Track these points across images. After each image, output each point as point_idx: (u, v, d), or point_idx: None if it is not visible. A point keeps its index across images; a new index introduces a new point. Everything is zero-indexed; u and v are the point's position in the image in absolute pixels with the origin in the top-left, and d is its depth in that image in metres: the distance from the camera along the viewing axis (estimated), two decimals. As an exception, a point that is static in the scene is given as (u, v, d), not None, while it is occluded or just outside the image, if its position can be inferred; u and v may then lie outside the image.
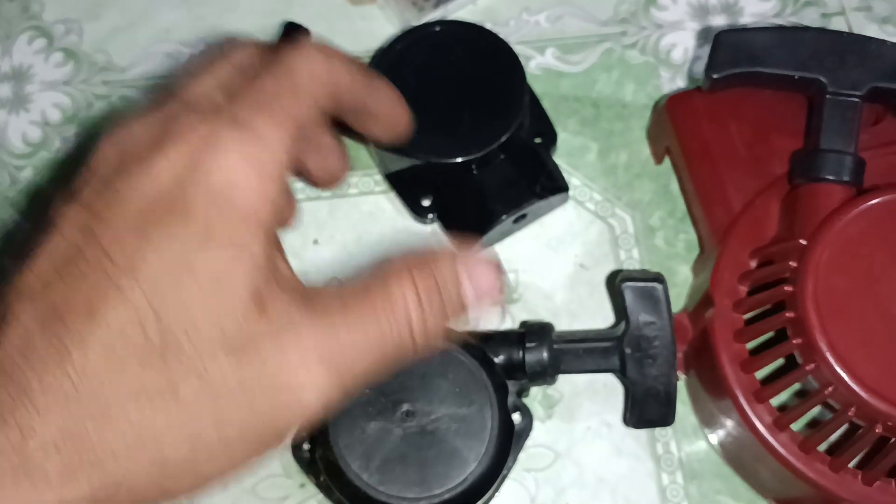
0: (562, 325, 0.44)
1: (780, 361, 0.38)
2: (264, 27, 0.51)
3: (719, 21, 0.51)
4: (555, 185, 0.45)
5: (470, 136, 0.43)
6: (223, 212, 0.24)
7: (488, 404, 0.37)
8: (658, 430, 0.43)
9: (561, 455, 0.43)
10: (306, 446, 0.39)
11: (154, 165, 0.24)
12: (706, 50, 0.42)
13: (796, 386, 0.38)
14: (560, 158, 0.47)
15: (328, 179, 0.34)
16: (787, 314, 0.36)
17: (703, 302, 0.41)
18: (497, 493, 0.39)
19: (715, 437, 0.42)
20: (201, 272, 0.23)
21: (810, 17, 0.51)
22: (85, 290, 0.23)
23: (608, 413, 0.43)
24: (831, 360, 0.34)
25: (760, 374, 0.39)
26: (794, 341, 0.36)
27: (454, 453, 0.37)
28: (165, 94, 0.27)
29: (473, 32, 0.46)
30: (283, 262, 0.27)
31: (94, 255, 0.23)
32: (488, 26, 0.47)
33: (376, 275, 0.26)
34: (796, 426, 0.38)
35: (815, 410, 0.39)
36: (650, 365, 0.38)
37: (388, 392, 0.37)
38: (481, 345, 0.38)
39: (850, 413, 0.35)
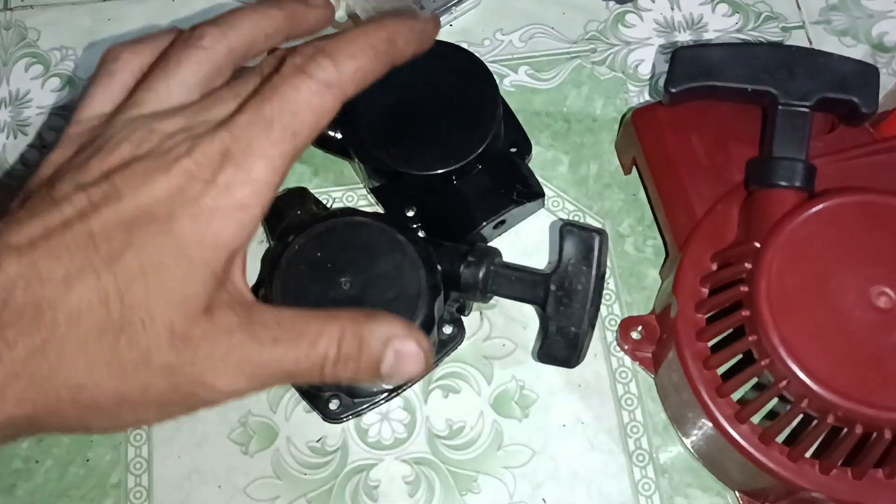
0: (535, 329, 0.47)
1: (739, 357, 0.41)
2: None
3: (685, 37, 0.53)
4: (531, 192, 0.47)
5: (448, 149, 0.46)
6: (201, 236, 0.28)
7: (416, 298, 0.40)
8: (630, 426, 0.45)
9: (537, 452, 0.45)
10: None
11: (156, 183, 0.28)
12: (671, 65, 0.44)
13: (755, 380, 0.41)
14: (533, 170, 0.49)
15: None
16: (744, 313, 0.39)
17: (669, 305, 0.43)
18: (407, 388, 0.44)
19: (684, 433, 0.44)
20: (168, 278, 0.27)
21: (771, 31, 0.54)
22: (66, 262, 0.27)
23: (582, 411, 0.45)
24: (784, 355, 0.37)
25: (721, 370, 0.41)
26: (749, 338, 0.38)
27: None
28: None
29: (448, 50, 0.48)
30: (240, 275, 0.30)
31: (83, 237, 0.27)
32: (464, 46, 0.50)
33: (317, 316, 0.30)
34: (756, 419, 0.40)
35: (774, 403, 0.41)
36: (567, 305, 0.40)
37: (335, 264, 0.40)
38: (431, 248, 0.41)
39: (803, 405, 0.37)
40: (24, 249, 0.27)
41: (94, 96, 0.32)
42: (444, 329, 0.45)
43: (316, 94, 0.29)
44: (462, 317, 0.46)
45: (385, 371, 0.30)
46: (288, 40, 0.33)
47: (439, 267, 0.42)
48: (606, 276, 0.48)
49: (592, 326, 0.41)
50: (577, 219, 0.49)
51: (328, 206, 0.49)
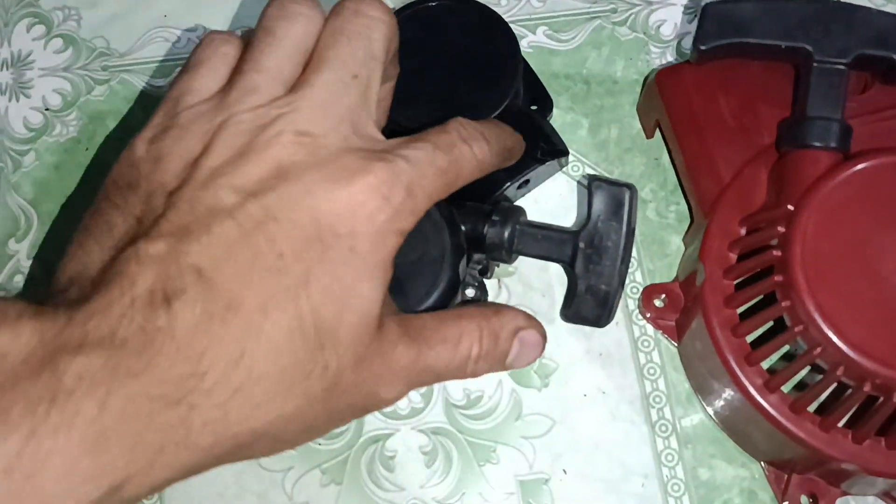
0: (556, 295, 0.45)
1: (769, 325, 0.39)
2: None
3: (708, -4, 0.52)
4: (555, 149, 0.46)
5: (468, 108, 0.44)
6: (379, 257, 0.28)
7: (441, 260, 0.38)
8: (653, 396, 0.44)
9: (557, 422, 0.44)
10: None
11: (339, 196, 0.27)
12: (695, 25, 0.42)
13: (785, 349, 0.39)
14: (553, 133, 0.48)
15: None
16: (776, 278, 0.37)
17: (694, 272, 0.42)
18: None
19: (708, 403, 0.43)
20: (354, 299, 0.27)
21: (798, -9, 0.52)
22: (259, 286, 0.25)
23: (603, 380, 0.44)
24: (819, 321, 0.35)
25: (750, 337, 0.40)
26: (782, 304, 0.37)
27: (399, 289, 0.37)
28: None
29: (465, 5, 0.47)
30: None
31: (271, 256, 0.26)
32: (480, 5, 0.48)
33: (452, 316, 0.32)
34: (786, 388, 0.39)
35: (805, 372, 0.39)
36: (597, 262, 0.39)
37: None
38: (454, 209, 0.40)
39: (838, 373, 0.36)
40: (212, 273, 0.25)
41: (199, 77, 0.31)
42: (466, 292, 0.43)
43: (474, 161, 0.32)
44: (485, 279, 0.45)
45: (509, 361, 0.33)
46: None
47: (462, 228, 0.40)
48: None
49: (622, 284, 0.39)
50: (597, 184, 0.48)
51: None
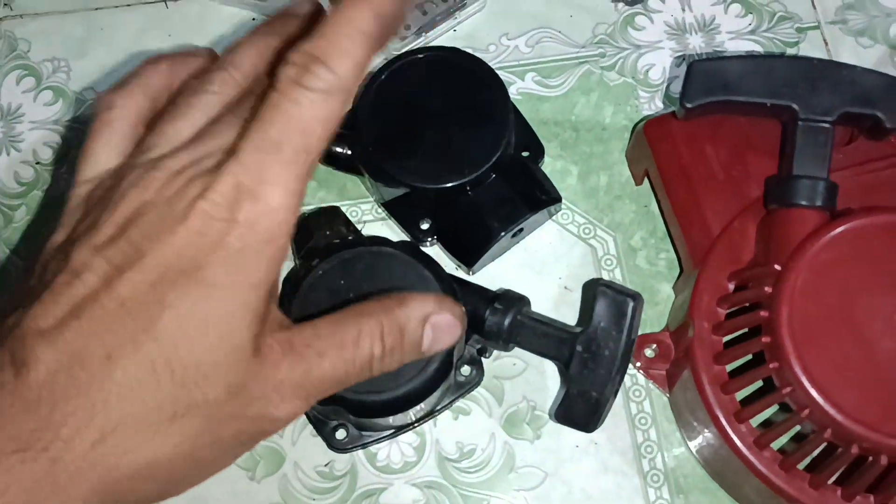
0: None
1: (759, 382, 0.39)
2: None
3: (696, 40, 0.52)
4: (548, 197, 0.46)
5: (461, 160, 0.44)
6: (235, 280, 0.26)
7: None
8: (644, 446, 0.44)
9: (550, 474, 0.44)
10: None
11: (175, 232, 0.26)
12: (684, 69, 0.43)
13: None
14: (543, 182, 0.48)
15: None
16: (764, 339, 0.37)
17: (684, 323, 0.42)
18: (418, 426, 0.43)
19: (699, 452, 0.43)
20: (213, 332, 0.26)
21: (786, 32, 0.52)
22: (103, 336, 0.25)
23: (595, 431, 0.44)
24: (807, 384, 0.36)
25: (741, 392, 0.40)
26: (770, 365, 0.37)
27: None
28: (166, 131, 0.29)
29: (454, 56, 0.47)
30: (275, 302, 0.29)
31: (114, 307, 0.25)
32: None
33: (350, 316, 0.30)
34: (777, 443, 0.39)
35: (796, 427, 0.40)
36: (592, 369, 0.38)
37: (357, 294, 0.37)
38: (457, 287, 0.39)
39: (826, 435, 0.36)
40: (55, 333, 0.25)
41: (93, 151, 0.30)
42: (461, 370, 0.43)
43: (320, 104, 0.27)
44: (483, 358, 0.45)
45: (426, 348, 0.31)
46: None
47: (465, 308, 0.40)
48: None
49: (616, 394, 0.39)
50: (587, 232, 0.48)
51: (356, 225, 0.48)
